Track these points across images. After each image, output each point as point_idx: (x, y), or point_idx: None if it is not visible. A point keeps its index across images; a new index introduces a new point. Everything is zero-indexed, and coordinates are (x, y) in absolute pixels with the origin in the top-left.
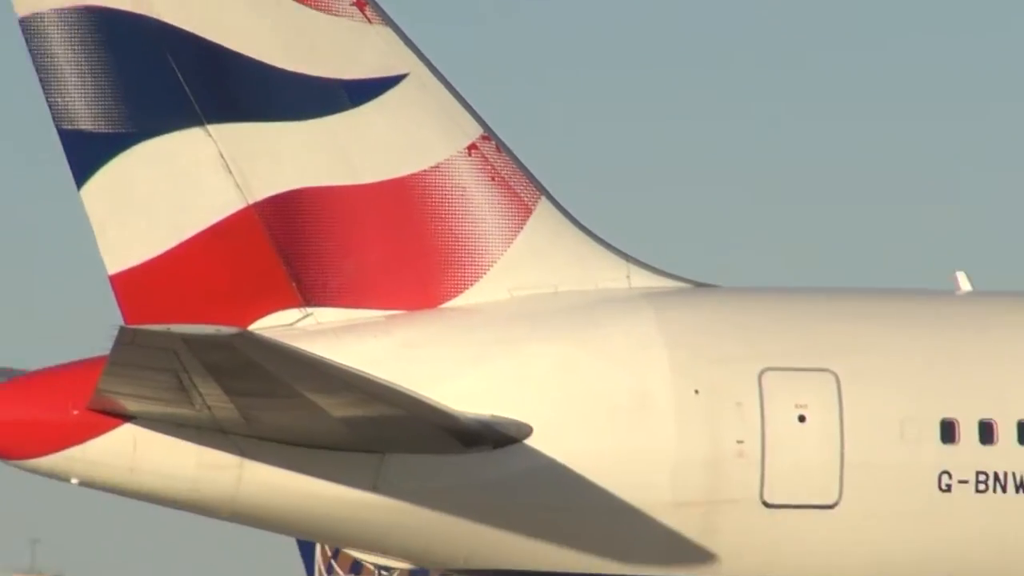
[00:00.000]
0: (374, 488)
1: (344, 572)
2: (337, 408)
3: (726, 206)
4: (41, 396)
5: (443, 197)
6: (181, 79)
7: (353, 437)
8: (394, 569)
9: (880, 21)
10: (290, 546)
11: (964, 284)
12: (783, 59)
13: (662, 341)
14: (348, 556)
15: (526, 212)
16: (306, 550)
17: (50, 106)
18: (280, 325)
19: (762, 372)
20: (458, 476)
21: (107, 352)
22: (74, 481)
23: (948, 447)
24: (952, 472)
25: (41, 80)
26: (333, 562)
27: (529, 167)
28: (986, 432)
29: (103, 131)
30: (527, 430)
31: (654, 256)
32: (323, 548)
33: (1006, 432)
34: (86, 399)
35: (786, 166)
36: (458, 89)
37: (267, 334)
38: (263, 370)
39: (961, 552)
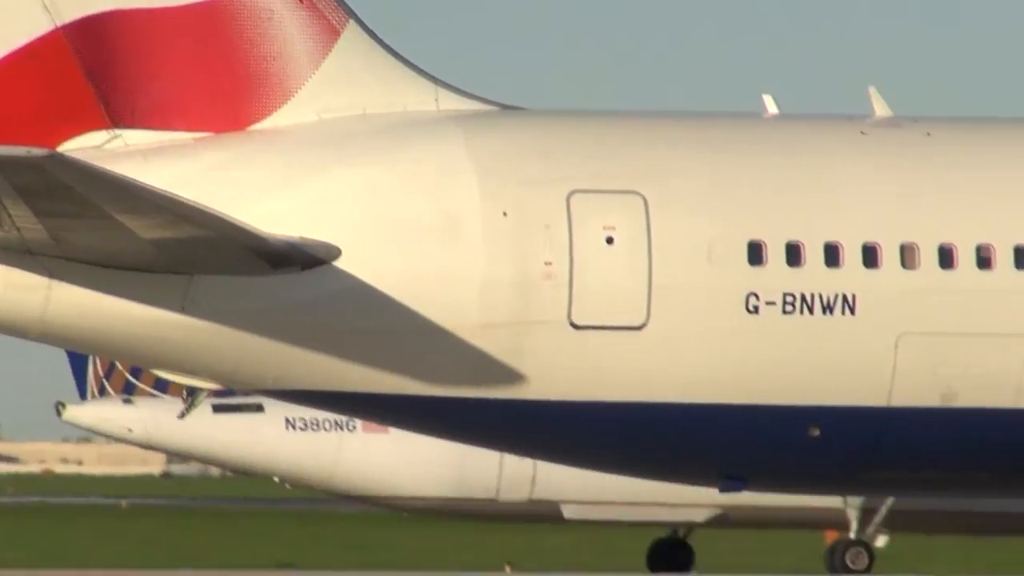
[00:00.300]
0: (182, 309)
1: (116, 392)
2: (146, 229)
3: (534, 30)
4: None
5: (251, 19)
6: None
7: (162, 258)
8: (202, 390)
9: None
10: (62, 365)
11: (771, 107)
12: None
13: (470, 164)
14: (122, 376)
15: (334, 34)
16: (78, 371)
17: None
18: (89, 147)
19: (570, 194)
20: (266, 297)
21: None
22: None
23: (755, 269)
24: (759, 294)
25: None
26: (106, 382)
27: None
28: (793, 254)
29: None
30: (335, 252)
31: (462, 79)
32: (95, 368)
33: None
34: None
35: None
36: None
37: (76, 156)
38: (73, 191)
39: (768, 373)
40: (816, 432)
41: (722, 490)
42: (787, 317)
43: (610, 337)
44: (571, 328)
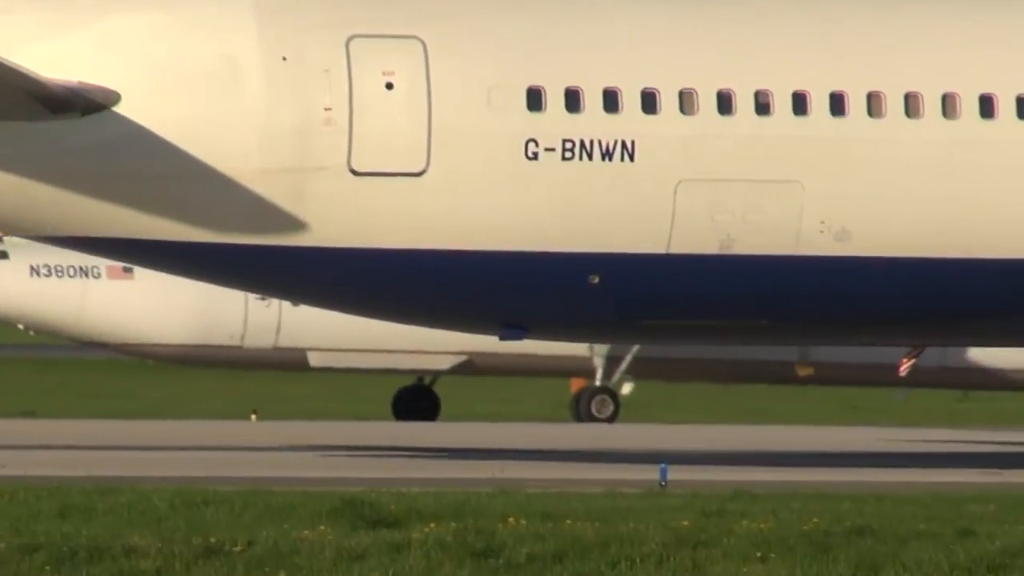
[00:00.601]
0: None
1: None
2: None
3: None
4: None
5: None
6: None
7: None
8: None
9: None
10: None
11: None
12: None
13: (250, 8)
14: None
15: None
16: None
17: None
18: None
19: (350, 39)
20: (45, 143)
21: None
22: None
23: (535, 115)
24: (539, 140)
25: None
26: None
27: None
28: (572, 100)
29: None
30: (115, 97)
31: None
32: None
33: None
34: None
35: None
36: None
37: None
38: None
39: (547, 220)
40: (596, 279)
41: (502, 338)
42: (566, 164)
43: (390, 183)
44: (351, 174)
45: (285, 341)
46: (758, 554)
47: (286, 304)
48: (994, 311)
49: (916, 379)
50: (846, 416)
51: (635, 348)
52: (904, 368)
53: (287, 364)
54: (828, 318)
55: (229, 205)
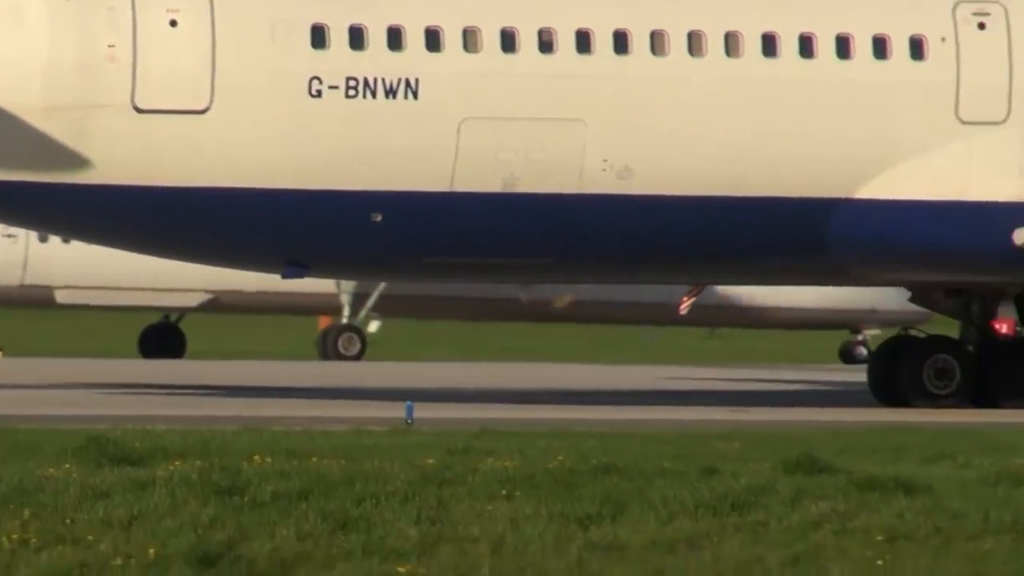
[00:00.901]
0: None
1: None
2: None
3: None
4: None
5: None
6: None
7: None
8: None
9: None
10: None
11: None
12: None
13: None
14: None
15: None
16: None
17: None
18: None
19: None
20: None
21: None
22: None
23: (320, 52)
24: (323, 77)
25: None
26: None
27: None
28: (356, 37)
29: None
30: None
31: None
32: None
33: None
34: None
35: None
36: None
37: None
38: None
39: (330, 158)
40: (379, 218)
41: (284, 276)
42: (350, 101)
43: (173, 121)
44: (135, 112)
45: (31, 279)
46: (503, 492)
47: (33, 241)
48: (776, 249)
49: (665, 317)
50: (595, 354)
51: (381, 285)
52: (685, 307)
53: (33, 301)
54: (611, 256)
55: (11, 142)
